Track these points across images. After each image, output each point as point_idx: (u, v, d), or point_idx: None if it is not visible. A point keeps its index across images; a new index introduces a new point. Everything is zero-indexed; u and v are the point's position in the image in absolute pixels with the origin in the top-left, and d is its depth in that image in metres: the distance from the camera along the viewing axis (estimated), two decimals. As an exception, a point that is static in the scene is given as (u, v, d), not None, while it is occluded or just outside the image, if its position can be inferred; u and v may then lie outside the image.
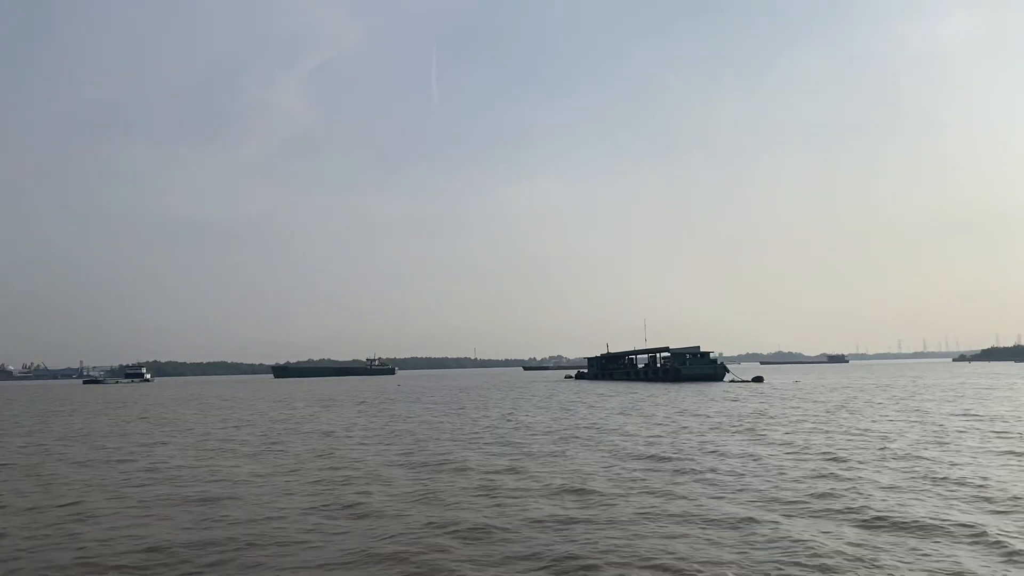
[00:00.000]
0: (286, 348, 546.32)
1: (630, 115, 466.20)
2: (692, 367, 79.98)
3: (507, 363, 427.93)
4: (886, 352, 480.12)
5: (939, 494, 12.81)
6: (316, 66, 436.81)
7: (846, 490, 13.22)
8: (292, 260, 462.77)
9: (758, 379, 74.70)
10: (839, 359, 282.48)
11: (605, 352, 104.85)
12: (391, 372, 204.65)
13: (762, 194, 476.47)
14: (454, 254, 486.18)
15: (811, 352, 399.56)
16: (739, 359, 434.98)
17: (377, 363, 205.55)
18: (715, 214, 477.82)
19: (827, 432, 23.41)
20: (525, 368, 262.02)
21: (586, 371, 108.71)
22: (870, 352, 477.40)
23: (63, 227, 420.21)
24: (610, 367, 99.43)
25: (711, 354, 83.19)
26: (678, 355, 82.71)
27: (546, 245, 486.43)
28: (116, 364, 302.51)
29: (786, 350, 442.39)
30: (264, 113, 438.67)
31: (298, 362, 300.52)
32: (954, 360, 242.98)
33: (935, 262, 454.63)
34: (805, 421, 27.75)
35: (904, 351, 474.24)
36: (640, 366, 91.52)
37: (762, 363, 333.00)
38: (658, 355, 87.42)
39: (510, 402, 46.80)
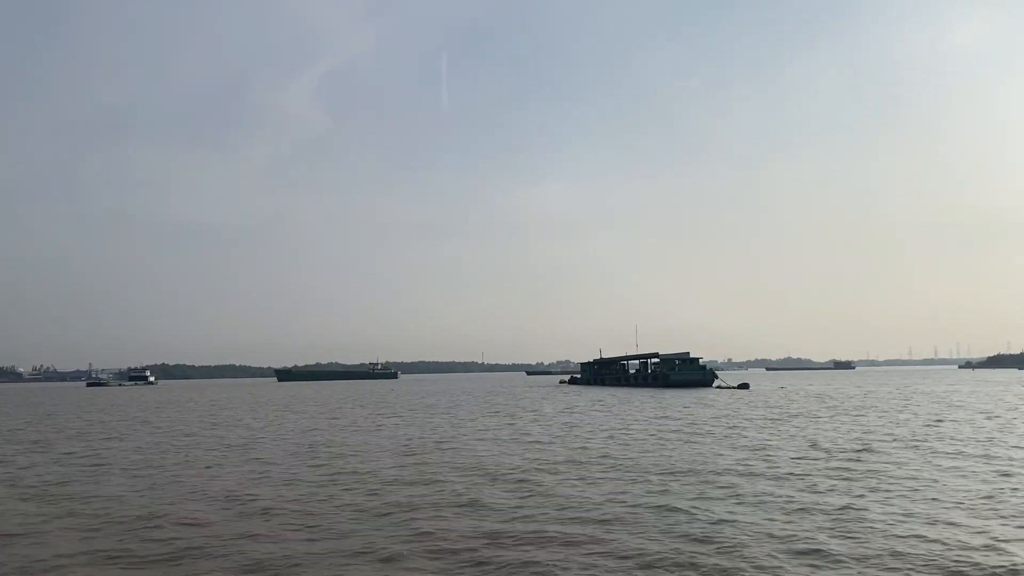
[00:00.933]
0: (294, 351, 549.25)
1: (640, 120, 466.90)
2: (681, 373, 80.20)
3: (514, 367, 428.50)
4: (896, 359, 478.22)
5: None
6: (327, 70, 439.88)
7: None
8: (302, 263, 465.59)
9: (743, 385, 75.09)
10: (846, 365, 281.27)
11: (598, 358, 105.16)
12: (394, 376, 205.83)
13: (772, 199, 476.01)
14: (463, 258, 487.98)
15: (821, 358, 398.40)
16: (747, 365, 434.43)
17: (380, 367, 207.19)
18: (725, 219, 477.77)
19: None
20: (528, 373, 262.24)
21: (579, 376, 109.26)
22: (880, 359, 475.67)
23: (73, 229, 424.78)
24: (602, 373, 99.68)
25: (700, 360, 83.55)
26: (667, 361, 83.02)
27: (556, 249, 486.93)
28: (125, 367, 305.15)
29: (795, 356, 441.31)
30: (275, 117, 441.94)
31: (306, 365, 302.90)
32: (959, 367, 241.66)
33: (948, 269, 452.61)
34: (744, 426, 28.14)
35: (914, 358, 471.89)
36: (632, 372, 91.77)
37: (768, 368, 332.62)
38: (649, 361, 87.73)
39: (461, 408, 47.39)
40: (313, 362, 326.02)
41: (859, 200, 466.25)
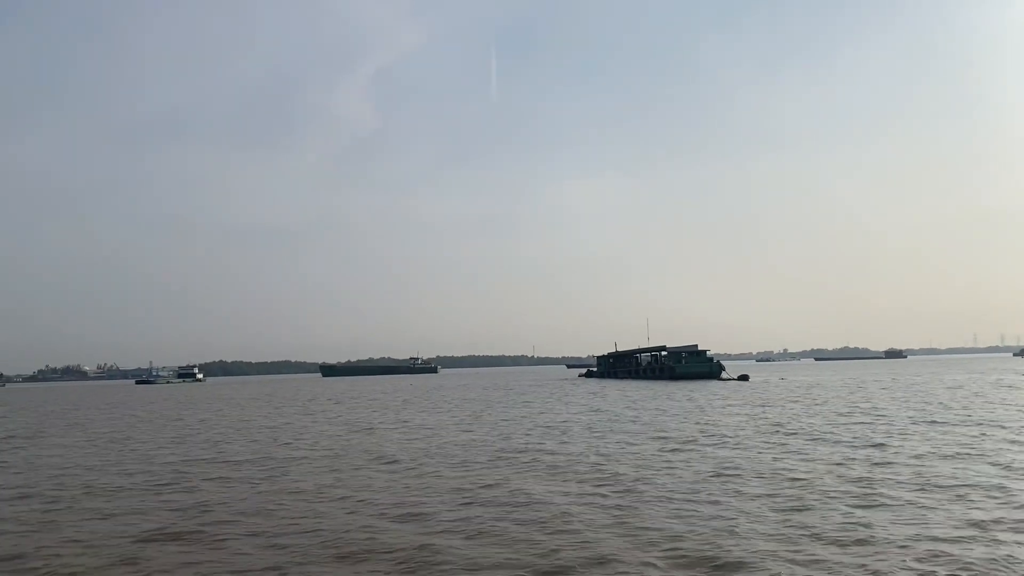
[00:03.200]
0: (347, 347, 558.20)
1: (691, 109, 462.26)
2: (687, 366, 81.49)
3: (563, 360, 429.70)
4: (959, 347, 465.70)
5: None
6: (376, 69, 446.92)
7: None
8: (355, 260, 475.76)
9: (743, 377, 75.73)
10: (897, 354, 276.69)
11: (613, 351, 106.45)
12: (433, 371, 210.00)
13: (829, 187, 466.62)
14: (514, 251, 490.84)
15: (880, 347, 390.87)
16: (801, 355, 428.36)
17: (420, 362, 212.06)
18: (784, 208, 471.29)
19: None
20: (568, 366, 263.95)
21: (595, 369, 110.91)
22: (942, 347, 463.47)
23: (133, 231, 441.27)
24: (616, 366, 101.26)
25: (707, 352, 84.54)
26: (674, 354, 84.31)
27: (604, 242, 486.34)
28: (184, 364, 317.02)
29: (853, 345, 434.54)
30: (326, 117, 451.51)
31: (358, 361, 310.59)
32: (1014, 355, 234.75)
33: (1017, 254, 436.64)
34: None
35: (979, 346, 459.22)
36: (644, 365, 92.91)
37: (817, 359, 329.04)
38: (659, 354, 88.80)
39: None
40: (365, 357, 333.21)
41: (921, 185, 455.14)
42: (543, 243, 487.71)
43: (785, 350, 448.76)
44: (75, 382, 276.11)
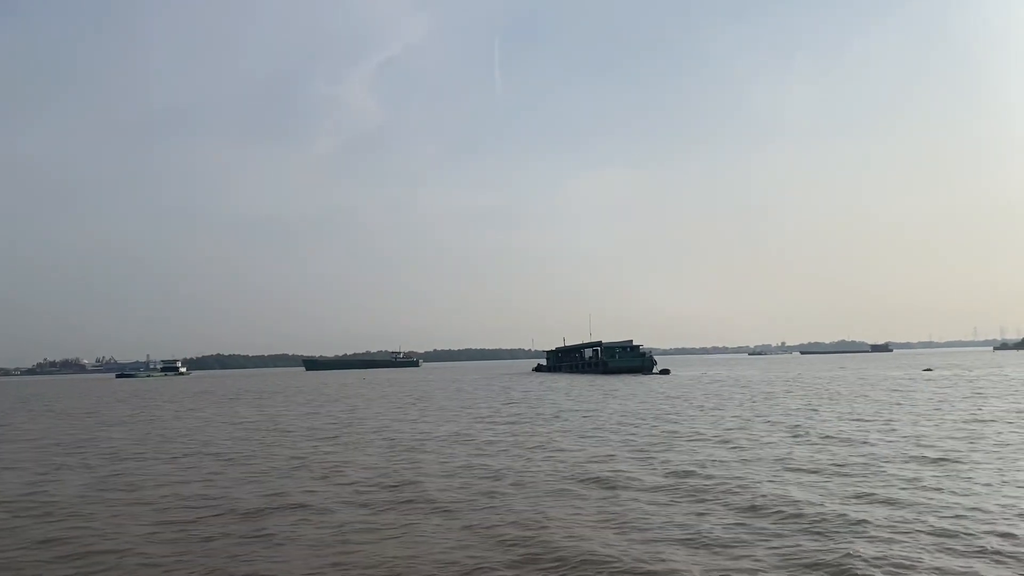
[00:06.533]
0: (348, 340, 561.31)
1: (698, 101, 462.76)
2: (620, 360, 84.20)
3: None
4: (959, 340, 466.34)
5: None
6: (382, 61, 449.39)
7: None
8: (358, 253, 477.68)
9: (664, 371, 78.59)
10: (883, 348, 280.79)
11: (561, 345, 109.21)
12: (415, 364, 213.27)
13: (837, 179, 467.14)
14: (517, 245, 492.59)
15: (876, 341, 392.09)
16: (792, 349, 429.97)
17: (402, 356, 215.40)
18: (785, 201, 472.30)
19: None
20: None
21: (544, 363, 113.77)
22: (940, 340, 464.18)
23: (138, 224, 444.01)
24: (563, 360, 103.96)
25: (640, 347, 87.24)
26: (608, 349, 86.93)
27: (607, 235, 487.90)
28: (184, 357, 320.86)
29: (849, 339, 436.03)
30: (331, 110, 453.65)
31: (352, 354, 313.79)
32: (994, 348, 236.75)
33: (1018, 247, 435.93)
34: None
35: (978, 339, 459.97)
36: (586, 359, 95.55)
37: (803, 353, 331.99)
38: (599, 349, 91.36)
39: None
40: (363, 350, 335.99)
41: (927, 178, 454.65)
42: (546, 236, 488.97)
43: (783, 343, 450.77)
44: (71, 375, 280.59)
